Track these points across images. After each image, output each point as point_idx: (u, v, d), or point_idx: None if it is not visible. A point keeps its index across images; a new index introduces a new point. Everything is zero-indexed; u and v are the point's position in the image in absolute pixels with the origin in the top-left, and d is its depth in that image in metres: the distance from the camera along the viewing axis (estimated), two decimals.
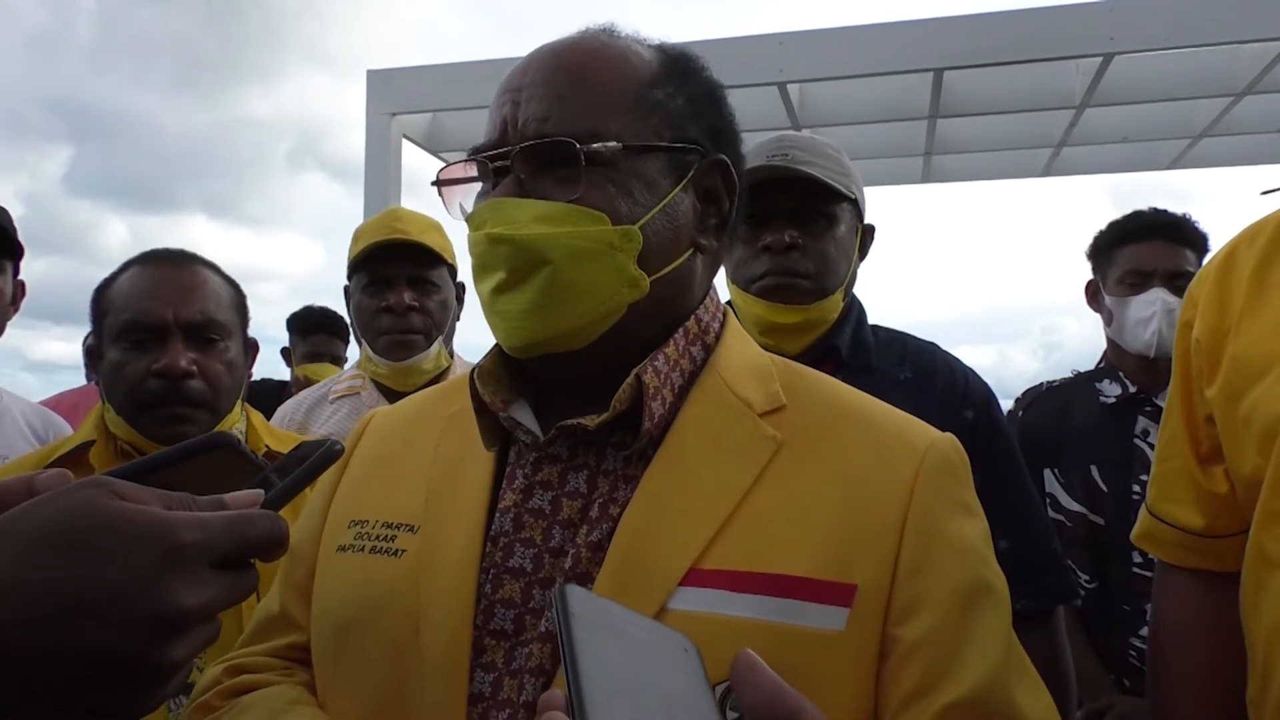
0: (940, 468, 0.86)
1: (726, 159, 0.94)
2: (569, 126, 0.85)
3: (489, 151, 0.88)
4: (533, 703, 0.77)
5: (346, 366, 2.26)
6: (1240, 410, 1.11)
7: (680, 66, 0.94)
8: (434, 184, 0.96)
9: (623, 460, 0.86)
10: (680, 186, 0.90)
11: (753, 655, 0.55)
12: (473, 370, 0.91)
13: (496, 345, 0.94)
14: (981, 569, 0.84)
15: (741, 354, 0.94)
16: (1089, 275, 2.48)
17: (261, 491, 0.65)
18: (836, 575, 0.78)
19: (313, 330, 3.71)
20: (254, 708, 0.87)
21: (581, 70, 0.88)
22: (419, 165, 4.26)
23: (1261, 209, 1.23)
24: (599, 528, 0.83)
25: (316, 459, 0.70)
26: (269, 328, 3.77)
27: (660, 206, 0.89)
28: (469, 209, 0.92)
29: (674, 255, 0.90)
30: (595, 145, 0.85)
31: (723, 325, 0.96)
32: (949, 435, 0.90)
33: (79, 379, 3.10)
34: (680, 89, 0.92)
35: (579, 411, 0.86)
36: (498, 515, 0.86)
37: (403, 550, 0.87)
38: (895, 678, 0.78)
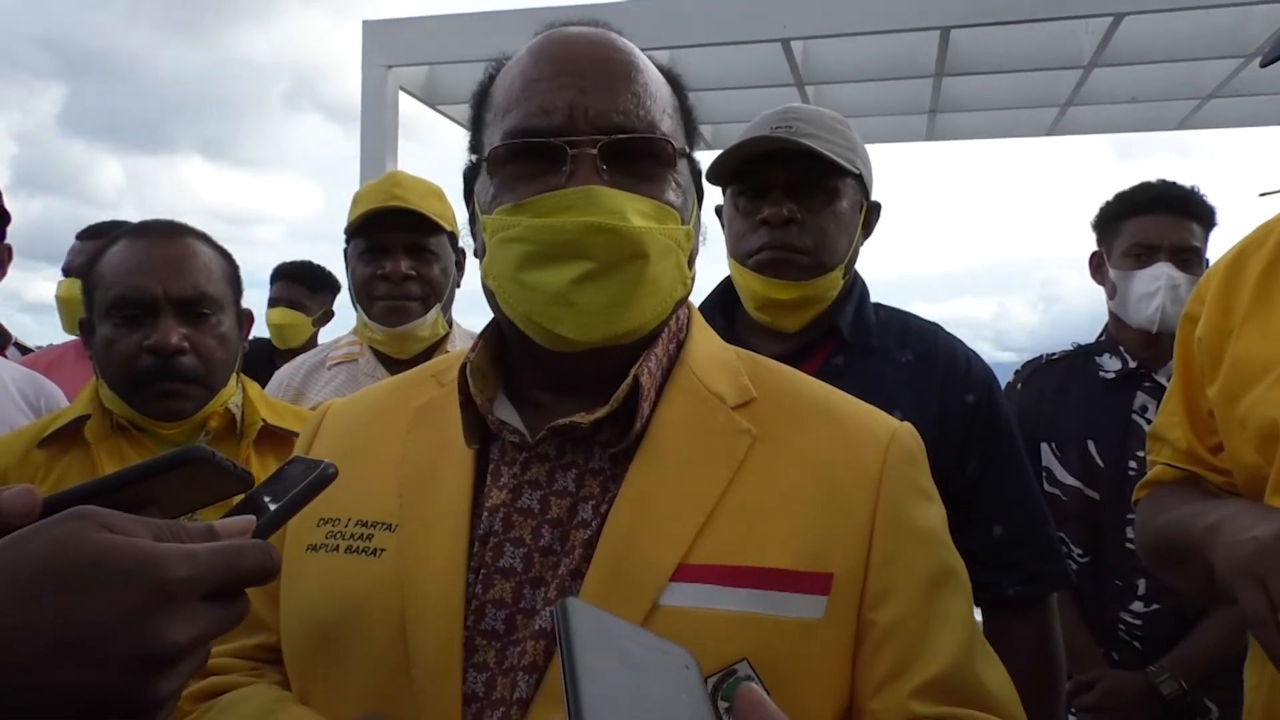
0: (903, 458, 0.90)
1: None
2: (645, 124, 0.87)
3: (562, 136, 0.84)
4: (526, 699, 0.78)
5: (346, 332, 2.25)
6: (1238, 411, 1.14)
7: (673, 76, 0.96)
8: (484, 160, 0.90)
9: (609, 459, 0.87)
10: (697, 192, 0.96)
11: (756, 690, 0.55)
12: (463, 367, 0.90)
13: (485, 338, 0.93)
14: (944, 553, 0.90)
15: (708, 347, 0.96)
16: (1093, 242, 2.45)
17: (252, 519, 0.64)
18: (814, 566, 0.82)
19: (277, 277, 3.75)
20: (238, 706, 0.87)
21: (635, 69, 0.89)
22: (416, 116, 4.20)
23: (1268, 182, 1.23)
24: (591, 526, 0.84)
25: (310, 483, 0.69)
26: (267, 271, 3.79)
27: (696, 210, 0.94)
28: (491, 191, 0.89)
29: (695, 256, 0.95)
30: (680, 146, 0.89)
31: (689, 319, 0.98)
32: (907, 424, 0.94)
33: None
34: (681, 101, 0.95)
35: (557, 406, 0.88)
36: (486, 514, 0.85)
37: (381, 549, 0.86)
38: (871, 661, 0.83)
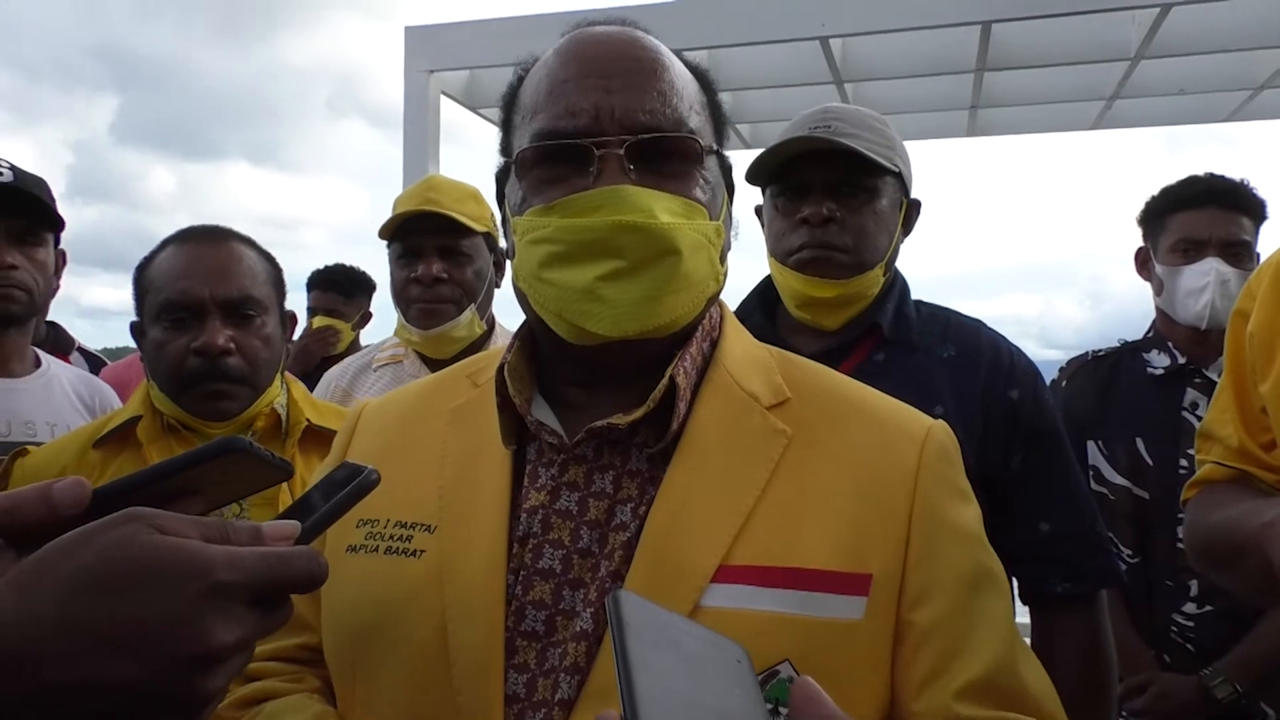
0: (939, 456, 0.90)
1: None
2: (672, 122, 0.87)
3: (592, 138, 0.85)
4: (569, 700, 0.78)
5: (391, 334, 2.29)
6: None
7: (700, 73, 0.96)
8: (512, 163, 0.92)
9: (647, 460, 0.87)
10: (728, 188, 0.96)
11: (812, 685, 0.55)
12: (501, 368, 0.90)
13: (519, 339, 0.94)
14: (981, 553, 0.89)
15: (741, 346, 0.96)
16: (1139, 237, 2.41)
17: (298, 524, 0.65)
18: (853, 566, 0.82)
19: (313, 285, 3.77)
20: (281, 719, 0.87)
21: (661, 67, 0.89)
22: (458, 120, 4.24)
23: None
24: (630, 528, 0.84)
25: (353, 489, 0.69)
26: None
27: (726, 205, 0.94)
28: (521, 193, 0.90)
29: (727, 253, 0.95)
30: (708, 143, 0.89)
31: (722, 318, 0.98)
32: (941, 422, 0.94)
33: (128, 325, 3.15)
34: (710, 98, 0.95)
35: (591, 405, 0.89)
36: (524, 516, 0.86)
37: (421, 550, 0.87)
38: (912, 660, 0.82)
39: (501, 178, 0.97)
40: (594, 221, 0.83)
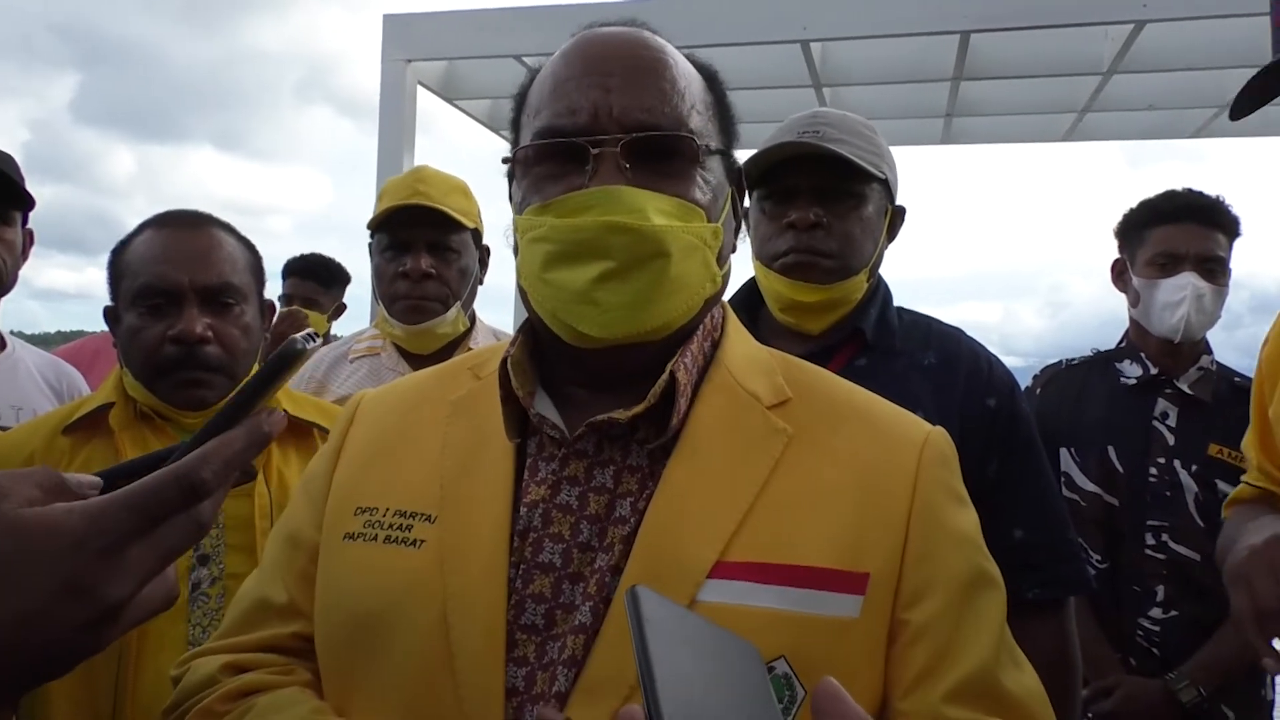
0: (937, 460, 0.91)
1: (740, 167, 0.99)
2: (671, 121, 0.86)
3: (586, 136, 0.85)
4: (565, 693, 0.78)
5: (369, 325, 2.25)
6: None
7: (710, 75, 0.96)
8: (505, 160, 0.94)
9: (647, 456, 0.87)
10: (732, 190, 0.95)
11: (835, 685, 0.56)
12: (504, 361, 0.90)
13: (523, 333, 0.94)
14: (978, 557, 0.90)
15: (743, 347, 0.97)
16: (1103, 238, 2.46)
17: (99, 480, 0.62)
18: (850, 564, 0.82)
19: (289, 274, 3.71)
20: (274, 714, 0.85)
21: (664, 66, 0.89)
22: (433, 111, 4.21)
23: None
24: (629, 523, 0.84)
25: (273, 360, 0.63)
26: (277, 262, 3.76)
27: (727, 207, 0.93)
28: (522, 192, 0.91)
29: (728, 254, 0.95)
30: (706, 142, 0.88)
31: (724, 319, 0.99)
32: (939, 428, 0.94)
33: (83, 308, 3.08)
34: (717, 98, 0.95)
35: (593, 402, 0.89)
36: (524, 510, 0.86)
37: (421, 540, 0.86)
38: (903, 659, 0.83)
39: (510, 177, 0.97)
40: (585, 221, 0.83)
